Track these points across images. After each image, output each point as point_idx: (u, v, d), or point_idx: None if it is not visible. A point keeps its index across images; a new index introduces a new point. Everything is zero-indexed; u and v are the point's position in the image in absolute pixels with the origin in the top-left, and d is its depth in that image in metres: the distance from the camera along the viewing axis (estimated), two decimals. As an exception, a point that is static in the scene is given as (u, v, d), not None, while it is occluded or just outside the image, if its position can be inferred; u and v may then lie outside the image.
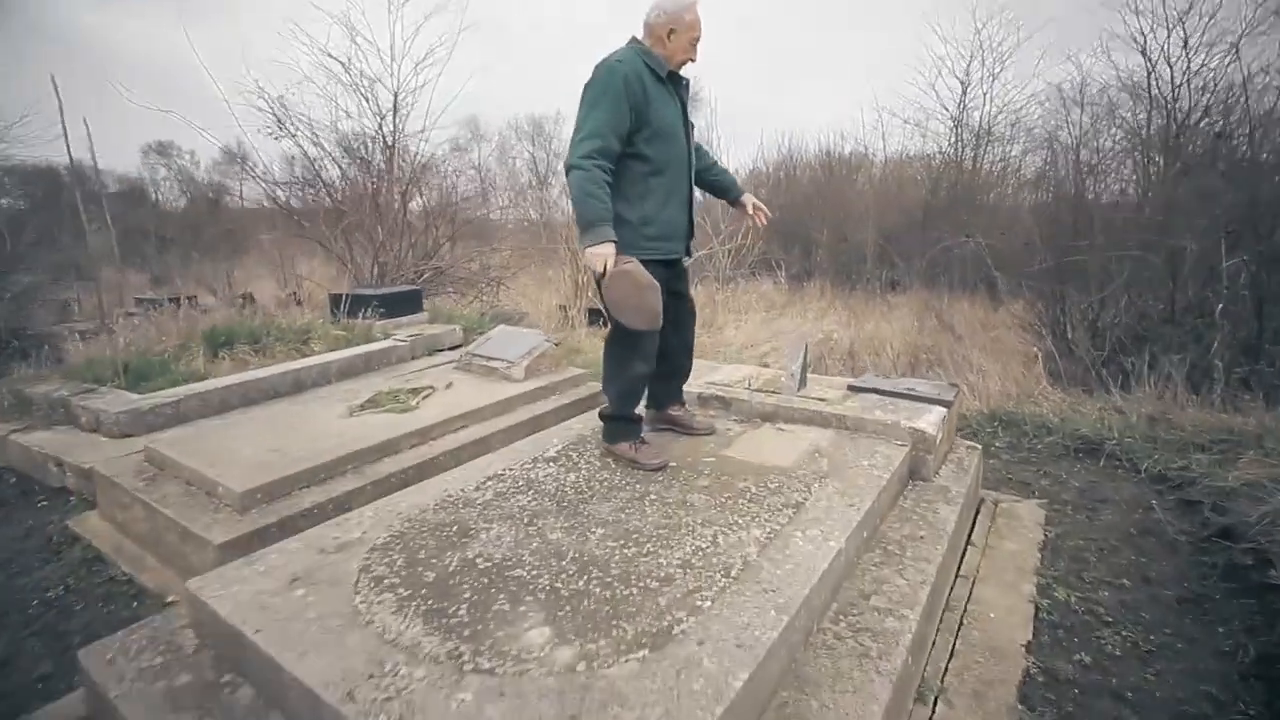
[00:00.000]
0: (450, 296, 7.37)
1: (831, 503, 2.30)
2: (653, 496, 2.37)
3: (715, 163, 3.10)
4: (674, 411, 3.13)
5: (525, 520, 2.18)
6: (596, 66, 2.57)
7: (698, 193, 3.04)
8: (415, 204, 7.33)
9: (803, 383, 3.37)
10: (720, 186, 3.08)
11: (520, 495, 2.38)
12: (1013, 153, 11.68)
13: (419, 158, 9.65)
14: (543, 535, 2.08)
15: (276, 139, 6.60)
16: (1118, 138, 9.15)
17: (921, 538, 2.39)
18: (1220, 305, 4.50)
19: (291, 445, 3.22)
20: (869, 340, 6.68)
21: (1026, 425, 4.17)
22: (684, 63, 2.72)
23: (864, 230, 10.78)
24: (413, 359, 5.50)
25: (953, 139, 12.18)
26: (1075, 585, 2.60)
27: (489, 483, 2.49)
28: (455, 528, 2.13)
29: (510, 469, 2.63)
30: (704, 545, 2.00)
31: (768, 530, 2.09)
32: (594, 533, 2.09)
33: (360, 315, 5.69)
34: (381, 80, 7.23)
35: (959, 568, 2.65)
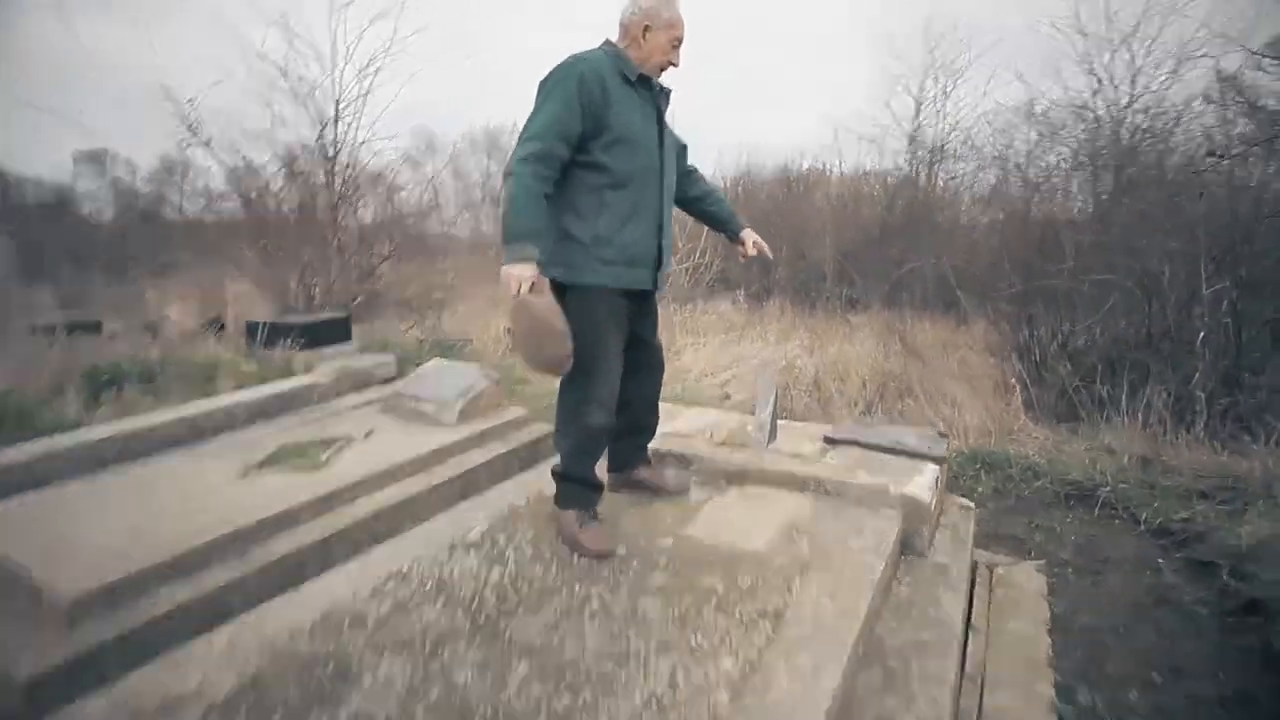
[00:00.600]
0: (389, 321, 6.77)
1: (819, 609, 1.83)
2: (595, 604, 1.87)
3: (713, 190, 2.66)
4: (641, 474, 2.65)
5: (427, 650, 1.65)
6: (557, 64, 2.18)
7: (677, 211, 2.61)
8: (353, 220, 6.71)
9: (773, 434, 2.92)
10: (716, 218, 2.65)
11: (426, 606, 1.85)
12: (966, 170, 11.63)
13: (361, 170, 9.02)
14: (447, 676, 1.56)
15: (186, 147, 5.95)
16: (1064, 155, 9.09)
17: (926, 644, 1.94)
18: (1202, 334, 4.25)
19: (162, 521, 2.62)
20: (833, 365, 6.32)
21: (1011, 468, 3.80)
22: (662, 66, 2.29)
23: (822, 248, 10.52)
24: (336, 397, 4.87)
25: (908, 156, 12.08)
26: (1099, 682, 2.18)
27: (389, 585, 1.95)
28: (332, 665, 1.59)
29: (419, 562, 2.09)
30: (660, 690, 1.50)
31: (742, 659, 1.61)
32: (516, 669, 1.58)
33: (279, 346, 5.05)
34: (320, 87, 6.64)
35: (963, 664, 2.22)
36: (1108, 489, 3.43)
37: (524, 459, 3.80)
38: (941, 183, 11.90)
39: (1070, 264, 5.24)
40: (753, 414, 2.90)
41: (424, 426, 3.85)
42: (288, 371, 5.05)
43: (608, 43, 2.29)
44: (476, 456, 3.65)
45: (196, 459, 3.40)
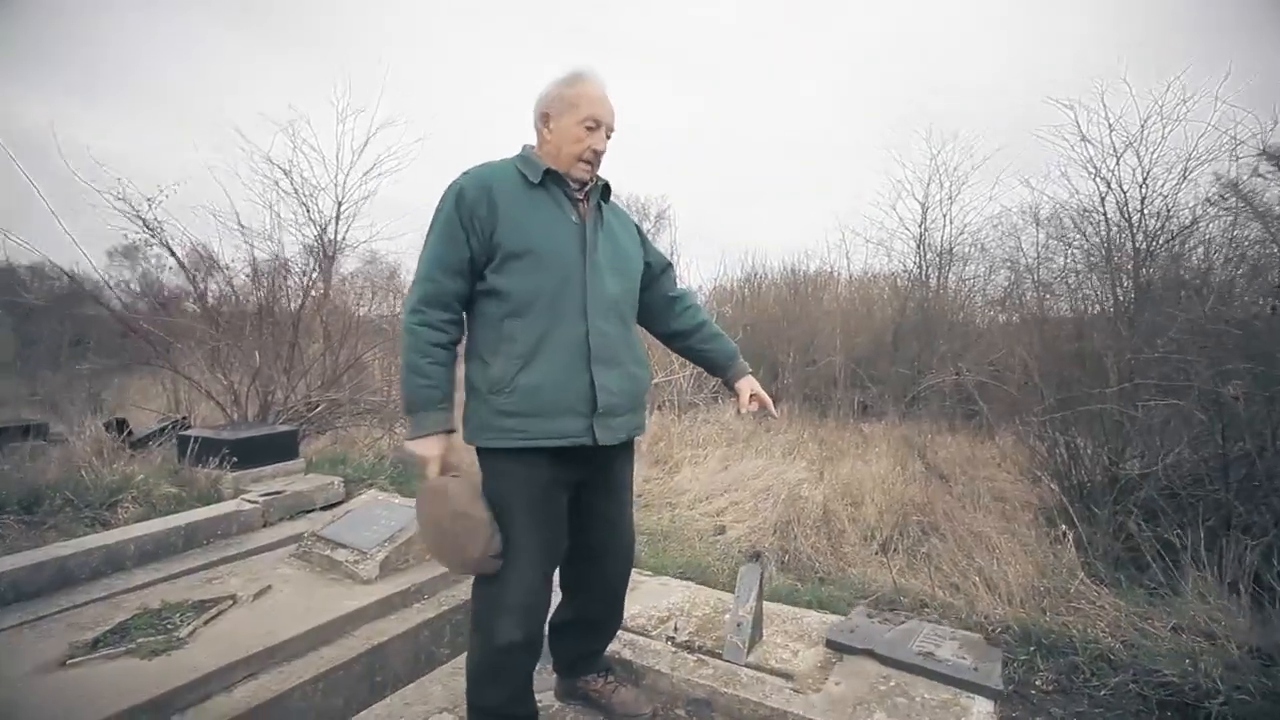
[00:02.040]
0: (352, 431, 6.06)
1: None
2: None
3: (705, 323, 1.97)
4: (592, 686, 1.89)
5: None
6: None
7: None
8: (321, 323, 6.12)
9: (755, 637, 2.08)
10: (710, 359, 1.98)
11: None
12: (976, 272, 11.06)
13: (359, 269, 8.59)
14: None
15: (140, 246, 5.53)
16: (1076, 258, 8.45)
17: None
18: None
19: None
20: (845, 490, 5.45)
21: (1078, 654, 2.87)
22: (581, 157, 1.68)
23: (833, 351, 9.80)
24: (263, 527, 4.10)
25: (917, 258, 11.56)
26: None
27: None
28: None
29: None
30: None
31: None
32: None
33: (208, 464, 4.33)
34: (325, 189, 6.30)
35: None
36: (1220, 701, 2.49)
37: (458, 626, 2.95)
38: (953, 284, 11.31)
39: (1114, 385, 4.44)
40: (733, 596, 2.09)
41: (336, 580, 3.06)
42: (217, 494, 4.31)
43: (525, 146, 1.76)
44: (395, 624, 2.82)
45: (12, 633, 2.60)
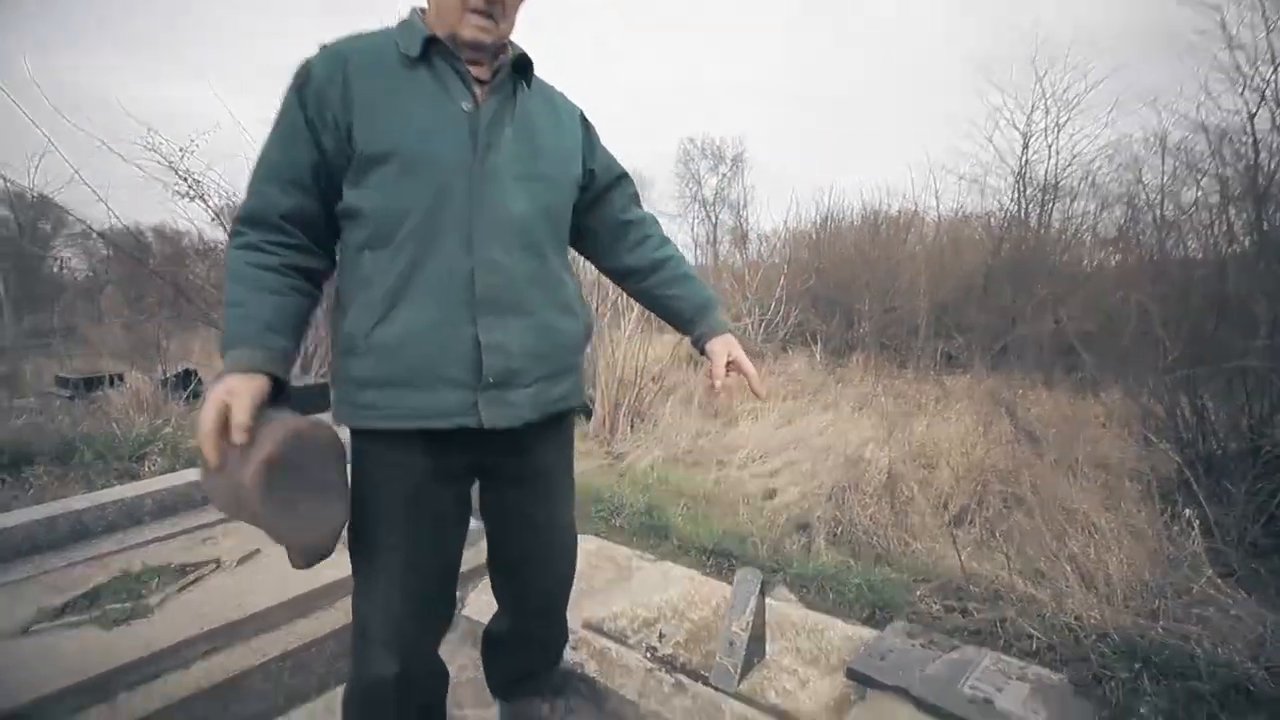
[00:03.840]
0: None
1: None
2: None
3: (671, 258, 1.41)
4: (536, 713, 1.49)
5: None
6: None
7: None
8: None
9: (754, 658, 1.59)
10: (673, 308, 1.41)
11: None
12: (1085, 209, 9.57)
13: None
14: None
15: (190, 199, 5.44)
16: (1211, 189, 7.04)
17: None
18: None
19: None
20: (917, 453, 4.77)
21: (1202, 679, 2.21)
22: (465, 8, 1.12)
23: (915, 298, 8.83)
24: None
25: (1015, 195, 10.16)
26: None
27: None
28: None
29: None
30: None
31: None
32: None
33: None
34: None
35: None
36: None
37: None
38: (1057, 223, 9.89)
39: (1264, 337, 3.51)
40: (728, 606, 1.59)
41: (327, 549, 2.76)
42: None
43: (413, 10, 1.22)
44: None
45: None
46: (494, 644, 1.49)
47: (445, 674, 1.33)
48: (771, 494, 4.24)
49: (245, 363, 1.04)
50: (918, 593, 3.01)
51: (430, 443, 1.14)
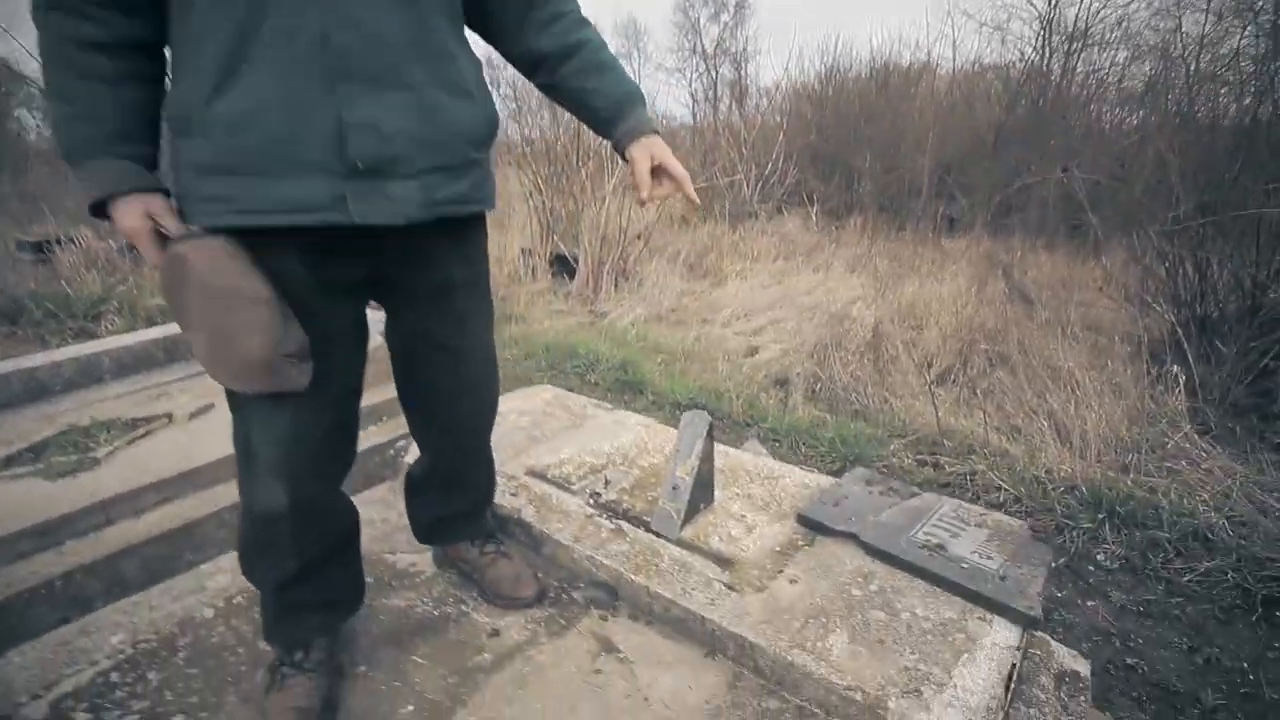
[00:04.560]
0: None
1: None
2: None
3: (588, 42, 1.12)
4: (466, 555, 1.39)
5: None
6: None
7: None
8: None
9: (699, 504, 1.49)
10: (589, 102, 1.14)
11: None
12: (1115, 61, 8.71)
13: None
14: None
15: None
16: (1258, 36, 6.30)
17: None
18: None
19: None
20: (907, 313, 4.59)
21: (1163, 527, 2.16)
22: None
23: (920, 157, 8.28)
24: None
25: (1039, 43, 9.22)
26: None
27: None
28: None
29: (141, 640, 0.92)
30: None
31: None
32: None
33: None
34: None
35: None
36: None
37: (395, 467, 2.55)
38: (1080, 76, 9.06)
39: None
40: (672, 450, 1.46)
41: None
42: None
43: None
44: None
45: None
46: (415, 486, 1.38)
47: (351, 512, 1.22)
48: (753, 351, 4.12)
49: (125, 182, 0.90)
50: (891, 447, 2.96)
51: (307, 250, 0.95)
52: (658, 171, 1.10)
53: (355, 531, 1.25)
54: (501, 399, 2.29)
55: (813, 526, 1.43)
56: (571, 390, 3.52)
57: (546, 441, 1.86)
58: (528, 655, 1.24)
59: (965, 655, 1.10)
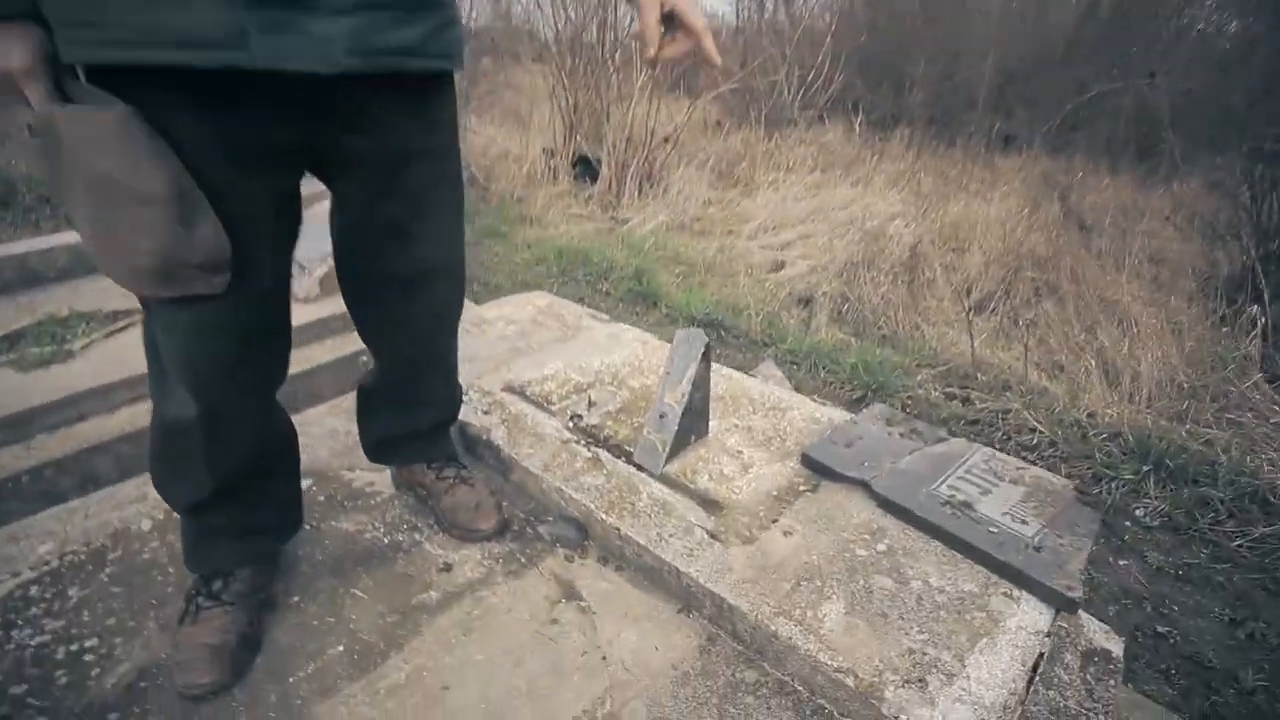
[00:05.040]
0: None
1: None
2: None
3: None
4: (420, 480, 1.22)
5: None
6: None
7: None
8: None
9: (691, 435, 1.29)
10: None
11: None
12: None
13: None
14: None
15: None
16: None
17: None
18: None
19: None
20: (949, 235, 4.20)
21: (1215, 485, 1.92)
22: None
23: (980, 65, 7.49)
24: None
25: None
26: None
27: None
28: None
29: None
30: None
31: None
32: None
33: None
34: None
35: None
36: None
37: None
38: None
39: None
40: (661, 374, 1.26)
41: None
42: None
43: None
44: (320, 354, 2.25)
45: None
46: (365, 399, 1.20)
47: (282, 430, 1.05)
48: (779, 267, 3.82)
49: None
50: (918, 378, 2.71)
51: (205, 104, 0.72)
52: (671, 22, 0.84)
53: (287, 452, 1.08)
54: (491, 305, 2.09)
55: (819, 470, 1.22)
56: (582, 300, 3.31)
57: (532, 354, 1.66)
58: (479, 596, 1.09)
59: (984, 640, 0.91)
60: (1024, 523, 1.07)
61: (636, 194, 5.07)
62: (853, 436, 1.29)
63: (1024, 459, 2.28)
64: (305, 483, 1.32)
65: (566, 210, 4.79)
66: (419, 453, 1.22)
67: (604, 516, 1.14)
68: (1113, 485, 2.00)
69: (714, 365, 1.36)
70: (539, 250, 3.78)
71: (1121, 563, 1.80)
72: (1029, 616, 0.95)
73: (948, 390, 2.63)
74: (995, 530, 1.06)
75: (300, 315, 2.20)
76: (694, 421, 1.27)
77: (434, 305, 1.06)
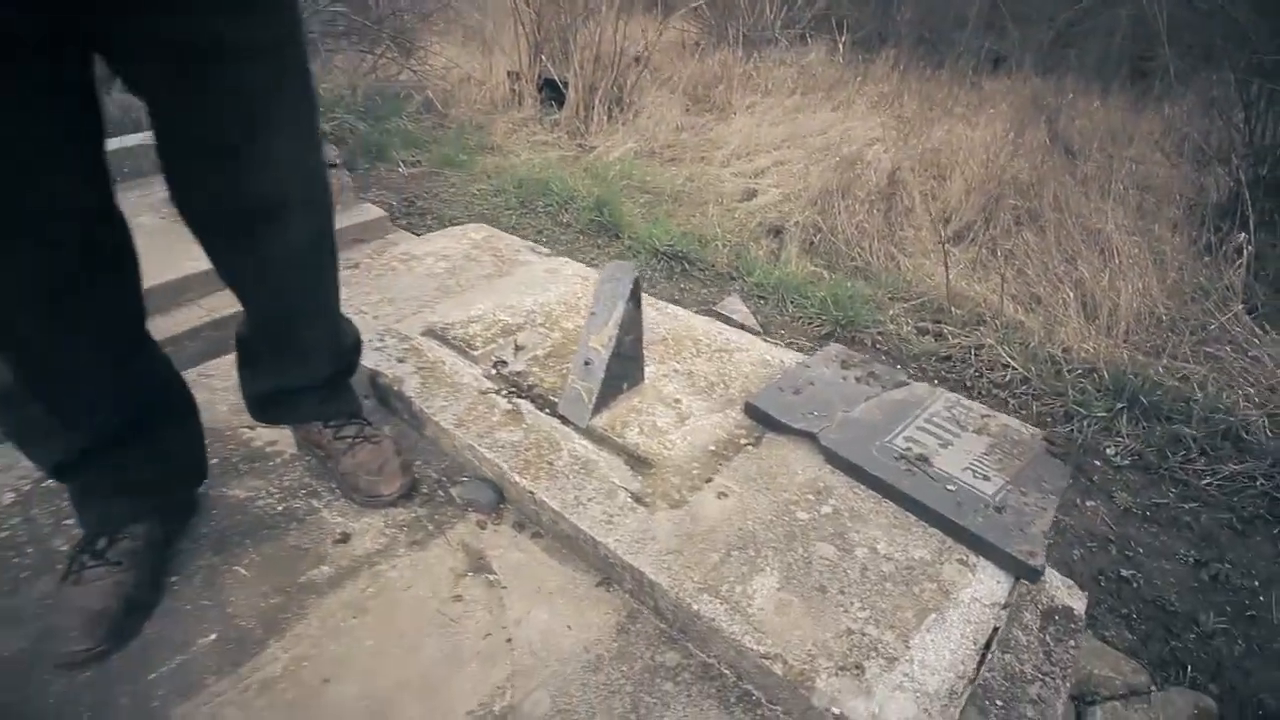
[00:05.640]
0: (347, 56, 4.86)
1: None
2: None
3: None
4: (317, 439, 1.07)
5: None
6: None
7: None
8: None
9: (615, 386, 1.14)
10: None
11: None
12: None
13: None
14: None
15: None
16: None
17: None
18: None
19: None
20: (930, 161, 3.98)
21: (1189, 423, 1.82)
22: None
23: (973, -23, 7.03)
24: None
25: None
26: None
27: None
28: None
29: None
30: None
31: None
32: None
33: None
34: None
35: None
36: None
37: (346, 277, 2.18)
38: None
39: None
40: (587, 315, 1.10)
41: (185, 238, 2.24)
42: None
43: None
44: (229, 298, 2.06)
45: None
46: (242, 350, 1.03)
47: (152, 381, 0.91)
48: (750, 195, 3.60)
49: None
50: (890, 312, 2.57)
51: None
52: None
53: (170, 400, 0.94)
54: (425, 240, 1.88)
55: (763, 420, 1.09)
56: (540, 233, 3.10)
57: (460, 294, 1.49)
58: (377, 570, 0.96)
59: (932, 616, 0.80)
60: (986, 479, 0.95)
61: (605, 119, 4.74)
62: (803, 382, 1.14)
63: (995, 397, 2.18)
64: (197, 442, 1.16)
65: (531, 137, 4.48)
66: (307, 410, 1.07)
67: (517, 478, 1.00)
68: (1084, 423, 1.90)
69: (658, 303, 1.20)
70: (499, 180, 3.53)
71: (1089, 504, 1.72)
72: (984, 587, 0.84)
73: (920, 324, 2.50)
74: (953, 488, 0.93)
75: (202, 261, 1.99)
76: (625, 368, 1.12)
77: (289, 248, 0.88)
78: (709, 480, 0.98)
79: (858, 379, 1.16)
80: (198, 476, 1.04)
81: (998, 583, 0.85)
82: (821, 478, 0.99)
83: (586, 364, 1.09)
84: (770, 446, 1.05)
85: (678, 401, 1.14)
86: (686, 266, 2.81)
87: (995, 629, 0.81)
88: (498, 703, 0.80)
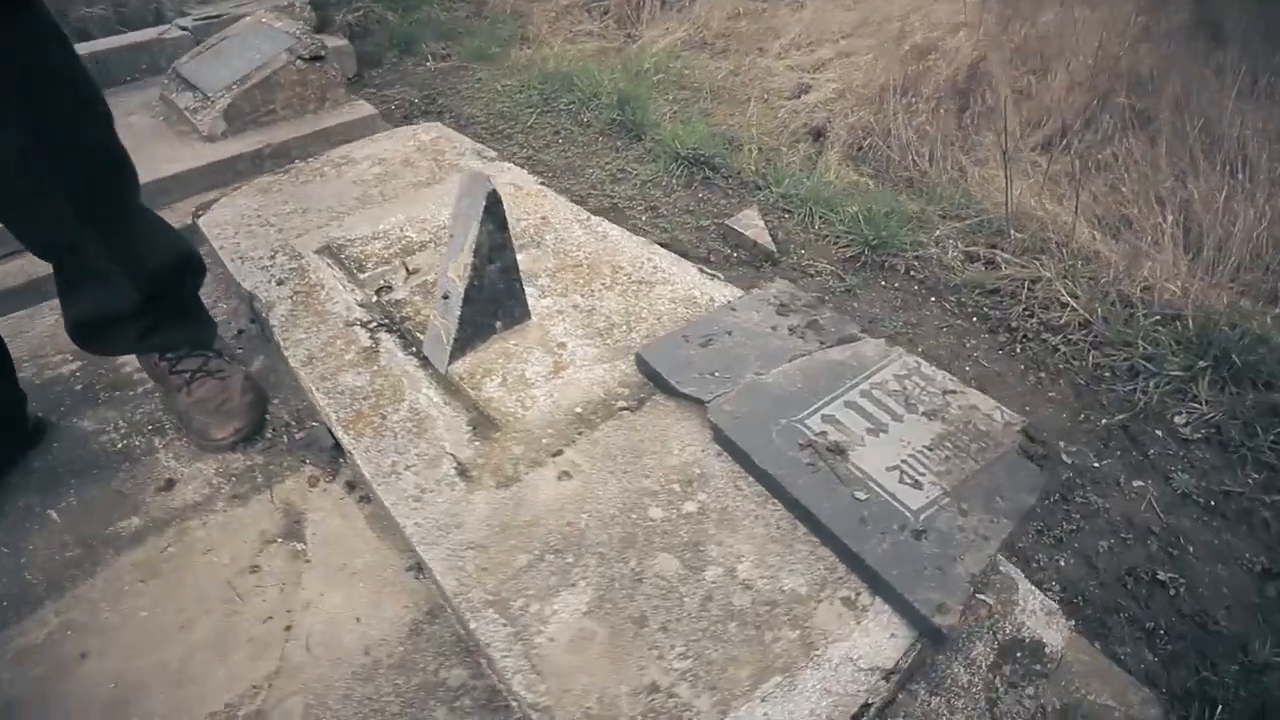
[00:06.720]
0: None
1: None
2: None
3: None
4: (155, 370, 0.96)
5: None
6: None
7: None
8: None
9: (479, 326, 0.91)
10: None
11: None
12: None
13: None
14: None
15: None
16: None
17: None
18: None
19: None
20: (1030, 52, 3.25)
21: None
22: None
23: None
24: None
25: None
26: None
27: None
28: None
29: None
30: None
31: None
32: None
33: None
34: None
35: None
36: None
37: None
38: None
39: None
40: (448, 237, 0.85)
41: (179, 136, 2.12)
42: (149, 18, 3.31)
43: None
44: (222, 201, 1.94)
45: None
46: (56, 270, 0.88)
47: None
48: (802, 91, 3.10)
49: None
50: (936, 233, 2.15)
51: None
52: None
53: None
54: (369, 142, 1.65)
55: (652, 377, 0.84)
56: (559, 133, 2.80)
57: (379, 205, 1.28)
58: (185, 527, 0.83)
59: (777, 679, 0.57)
60: (916, 485, 0.68)
61: (659, 6, 4.21)
62: (719, 330, 0.88)
63: (1045, 343, 1.78)
64: (70, 367, 1.06)
65: (574, 26, 4.05)
66: (129, 341, 0.91)
67: (342, 433, 0.82)
68: (1152, 383, 1.51)
69: (591, 219, 0.96)
70: (525, 76, 3.20)
71: (1135, 484, 1.37)
72: (868, 643, 0.59)
73: (970, 249, 2.07)
74: (864, 496, 0.67)
75: (197, 156, 1.87)
76: (495, 303, 0.89)
77: (63, 151, 0.70)
78: (558, 454, 0.77)
79: (791, 329, 0.88)
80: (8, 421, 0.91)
81: (890, 637, 0.60)
82: (700, 462, 0.75)
83: (445, 298, 0.87)
84: (651, 414, 0.81)
85: (562, 346, 0.91)
86: (709, 174, 2.45)
87: (866, 706, 0.57)
88: (246, 706, 0.66)
